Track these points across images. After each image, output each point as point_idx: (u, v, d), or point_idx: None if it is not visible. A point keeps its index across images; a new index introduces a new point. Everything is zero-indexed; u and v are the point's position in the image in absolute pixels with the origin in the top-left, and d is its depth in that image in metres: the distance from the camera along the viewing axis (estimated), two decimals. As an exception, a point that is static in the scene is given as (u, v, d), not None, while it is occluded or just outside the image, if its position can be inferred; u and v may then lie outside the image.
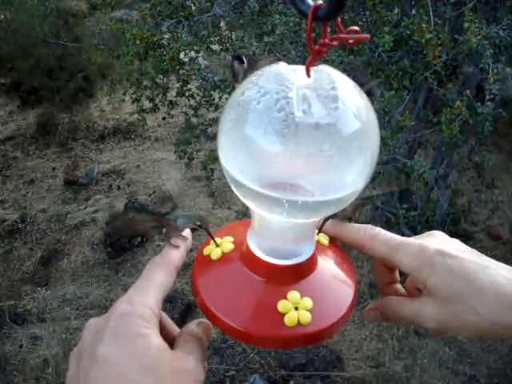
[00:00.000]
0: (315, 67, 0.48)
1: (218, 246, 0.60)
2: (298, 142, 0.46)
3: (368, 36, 0.41)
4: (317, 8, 0.41)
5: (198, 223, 0.61)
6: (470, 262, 0.53)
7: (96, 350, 0.46)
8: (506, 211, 4.09)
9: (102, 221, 4.19)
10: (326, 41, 0.43)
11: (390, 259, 0.58)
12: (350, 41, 0.42)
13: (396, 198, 3.16)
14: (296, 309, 0.53)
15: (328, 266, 0.61)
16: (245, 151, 0.49)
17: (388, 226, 2.96)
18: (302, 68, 0.48)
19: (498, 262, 0.55)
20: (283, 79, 0.47)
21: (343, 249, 0.64)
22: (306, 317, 0.53)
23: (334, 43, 0.43)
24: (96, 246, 4.01)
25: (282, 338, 0.53)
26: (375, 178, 2.91)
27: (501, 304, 0.50)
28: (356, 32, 0.42)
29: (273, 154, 0.46)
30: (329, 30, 0.43)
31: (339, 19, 0.41)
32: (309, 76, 0.47)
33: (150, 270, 0.55)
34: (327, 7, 0.40)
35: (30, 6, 5.30)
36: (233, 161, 0.51)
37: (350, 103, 0.48)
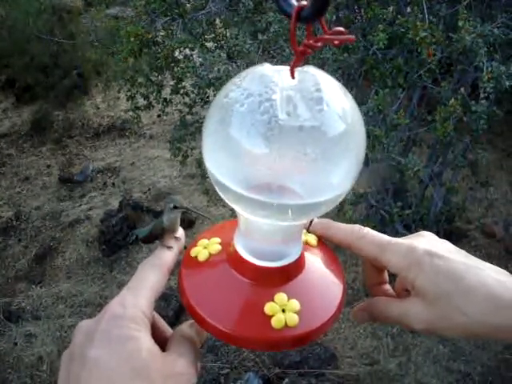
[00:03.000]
0: (300, 68, 0.47)
1: (205, 247, 0.60)
2: (282, 144, 0.45)
3: (353, 37, 0.40)
4: (300, 9, 0.41)
5: (173, 205, 0.61)
6: (458, 262, 0.53)
7: (87, 353, 0.46)
8: (500, 209, 4.10)
9: (97, 218, 4.18)
10: (311, 42, 0.43)
11: (378, 259, 0.57)
12: (335, 42, 0.41)
13: (390, 196, 3.16)
14: (283, 311, 0.53)
15: (316, 267, 0.60)
16: (229, 154, 0.48)
17: (382, 224, 2.97)
18: (286, 69, 0.47)
19: (486, 263, 0.55)
20: (267, 81, 0.47)
21: (332, 249, 0.64)
22: (293, 319, 0.52)
23: (319, 44, 0.43)
24: (91, 244, 4.01)
25: (269, 341, 0.53)
26: (370, 176, 2.92)
27: (488, 304, 0.50)
28: (341, 33, 0.41)
29: (257, 156, 0.46)
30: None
31: (323, 19, 0.41)
32: (293, 77, 0.47)
33: (143, 271, 0.55)
34: (311, 8, 0.40)
35: (24, 2, 5.29)
36: (217, 164, 0.50)
37: (335, 105, 0.47)
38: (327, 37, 0.41)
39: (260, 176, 0.48)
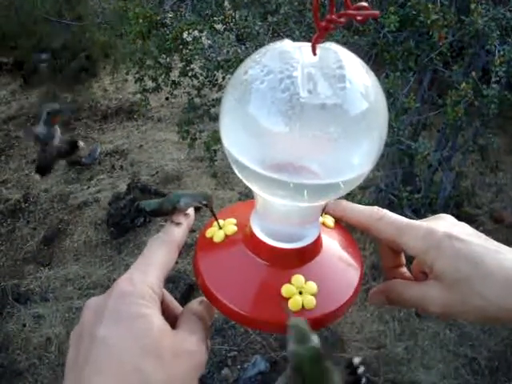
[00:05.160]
0: (321, 45, 0.46)
1: (220, 228, 0.59)
2: (302, 123, 0.44)
3: (377, 12, 0.39)
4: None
5: (204, 202, 0.60)
6: (477, 245, 0.52)
7: (95, 331, 0.45)
8: (509, 194, 4.08)
9: (105, 201, 4.18)
10: (333, 17, 0.41)
11: (396, 242, 0.56)
12: (359, 17, 0.40)
13: (399, 181, 3.14)
14: (300, 293, 0.52)
15: (333, 249, 0.59)
16: (247, 132, 0.47)
17: (391, 209, 2.91)
18: (307, 46, 0.46)
19: (506, 247, 0.54)
20: (288, 57, 0.46)
21: (348, 231, 0.63)
22: (310, 301, 0.52)
23: (342, 19, 0.41)
24: (99, 226, 4.01)
25: (285, 323, 0.51)
26: (379, 160, 2.90)
27: (509, 289, 0.49)
28: (365, 8, 0.40)
29: (277, 135, 0.45)
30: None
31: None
32: (315, 54, 0.46)
33: (152, 247, 0.54)
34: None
35: (32, -17, 5.26)
36: (235, 142, 0.49)
37: (358, 83, 0.46)
38: (351, 12, 0.40)
39: (279, 155, 0.47)
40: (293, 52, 0.46)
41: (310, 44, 0.46)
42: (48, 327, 3.22)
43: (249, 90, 0.46)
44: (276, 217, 0.56)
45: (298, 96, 0.44)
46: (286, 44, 0.48)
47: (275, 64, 0.46)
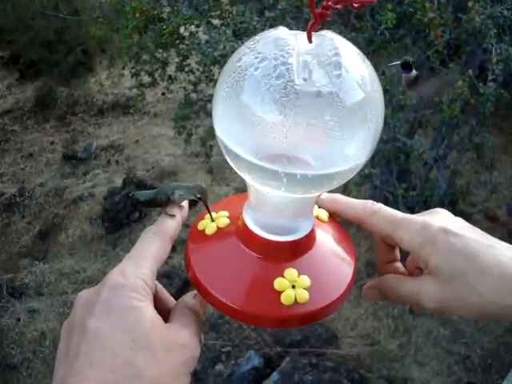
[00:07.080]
0: (317, 32, 0.46)
1: (213, 220, 0.58)
2: (297, 111, 0.43)
3: (374, -1, 0.39)
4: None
5: (198, 196, 0.58)
6: (474, 240, 0.51)
7: (87, 323, 0.45)
8: (504, 193, 4.08)
9: (101, 196, 4.18)
10: (329, 3, 0.41)
11: (390, 236, 0.55)
12: (355, 4, 0.40)
13: (395, 178, 3.15)
14: (293, 287, 0.51)
15: (327, 243, 0.58)
16: (241, 121, 0.46)
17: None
18: (303, 33, 0.45)
19: (502, 242, 0.53)
20: (283, 44, 0.45)
21: (343, 225, 0.63)
22: (303, 295, 0.51)
23: (338, 6, 0.41)
24: (94, 221, 4.01)
25: (278, 317, 0.51)
26: (375, 157, 2.90)
27: (505, 285, 0.48)
28: (361, -5, 0.40)
29: (270, 123, 0.44)
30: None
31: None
32: (310, 41, 0.45)
33: (144, 239, 0.54)
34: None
35: (28, -23, 5.24)
36: (228, 131, 0.49)
37: (354, 71, 0.45)
38: (347, -2, 0.40)
39: (273, 144, 0.46)
40: (288, 39, 0.46)
41: (305, 31, 0.45)
42: (42, 321, 3.22)
43: (242, 76, 0.45)
44: (269, 209, 0.55)
45: (292, 83, 0.43)
46: (282, 31, 0.47)
47: (270, 51, 0.45)
